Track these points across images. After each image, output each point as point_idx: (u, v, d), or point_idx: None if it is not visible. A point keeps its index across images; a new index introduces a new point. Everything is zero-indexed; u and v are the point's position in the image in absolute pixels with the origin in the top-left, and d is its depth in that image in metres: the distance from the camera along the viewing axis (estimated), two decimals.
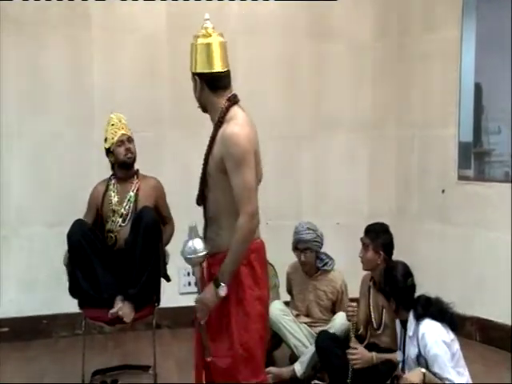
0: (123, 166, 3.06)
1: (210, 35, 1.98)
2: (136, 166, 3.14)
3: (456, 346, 2.37)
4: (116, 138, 3.02)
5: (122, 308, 2.81)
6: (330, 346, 2.83)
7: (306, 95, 4.15)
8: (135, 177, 3.10)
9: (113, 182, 3.09)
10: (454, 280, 3.77)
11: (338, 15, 4.17)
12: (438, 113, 3.94)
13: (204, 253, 2.01)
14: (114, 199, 3.04)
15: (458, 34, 3.76)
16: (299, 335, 3.09)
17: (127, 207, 3.02)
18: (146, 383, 3.05)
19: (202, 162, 2.09)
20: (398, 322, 2.57)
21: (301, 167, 4.21)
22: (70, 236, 2.90)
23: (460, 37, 3.75)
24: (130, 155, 3.04)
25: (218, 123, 2.01)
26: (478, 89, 3.75)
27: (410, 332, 2.42)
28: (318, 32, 4.13)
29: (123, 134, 3.03)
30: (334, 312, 3.15)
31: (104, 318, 2.87)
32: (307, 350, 3.01)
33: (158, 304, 3.02)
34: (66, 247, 2.93)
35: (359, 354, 2.67)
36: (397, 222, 4.07)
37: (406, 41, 4.10)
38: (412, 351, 2.40)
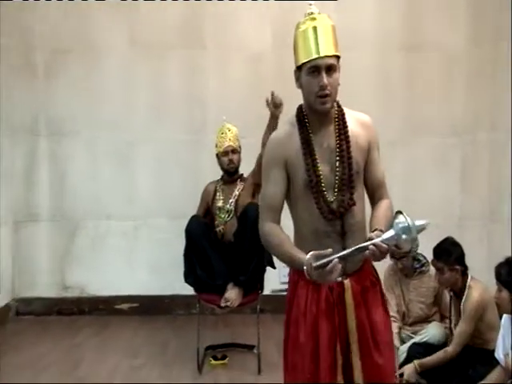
0: (226, 173, 3.20)
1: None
2: (242, 169, 3.25)
3: None
4: (222, 149, 3.14)
5: (231, 294, 2.96)
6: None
7: (399, 103, 4.06)
8: (239, 180, 3.21)
9: (220, 183, 3.24)
10: None
11: (430, 26, 4.03)
12: None
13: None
14: (221, 198, 3.17)
15: None
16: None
17: (232, 204, 3.13)
18: (250, 360, 3.14)
19: (325, 167, 1.67)
20: (506, 320, 2.36)
21: (393, 170, 4.05)
22: (189, 230, 3.06)
23: None
24: (232, 165, 3.15)
25: (342, 115, 1.72)
26: None
27: None
28: (411, 43, 4.03)
29: (229, 146, 3.13)
30: (438, 306, 3.04)
31: (216, 301, 3.01)
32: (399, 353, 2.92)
33: (262, 291, 3.12)
34: (184, 238, 3.08)
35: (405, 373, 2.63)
36: (490, 224, 3.93)
37: (500, 47, 3.87)
38: None
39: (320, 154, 1.67)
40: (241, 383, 2.88)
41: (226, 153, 3.13)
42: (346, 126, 1.70)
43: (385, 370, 1.67)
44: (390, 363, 1.71)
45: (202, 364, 3.05)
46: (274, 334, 3.40)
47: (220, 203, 3.17)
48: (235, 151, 3.15)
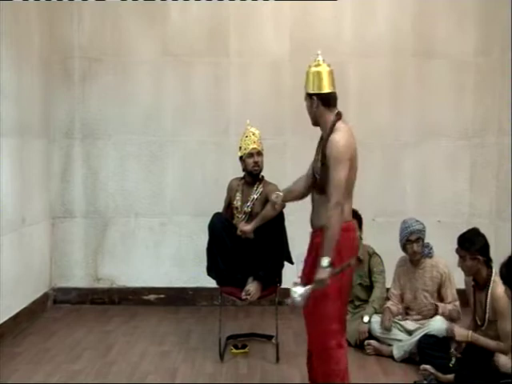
0: (250, 175, 3.18)
1: (321, 65, 2.27)
2: (263, 171, 3.22)
3: None
4: (247, 151, 3.11)
5: (251, 288, 2.97)
6: (431, 349, 2.76)
7: (411, 107, 4.03)
8: (259, 182, 3.18)
9: (241, 182, 3.22)
10: None
11: (441, 35, 4.01)
12: None
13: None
14: (239, 198, 3.17)
15: None
16: (399, 337, 3.06)
17: (249, 207, 3.12)
18: (269, 350, 3.17)
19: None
20: None
21: (406, 171, 4.12)
22: (212, 226, 3.07)
23: None
24: (256, 168, 3.12)
25: (329, 133, 2.22)
26: None
27: None
28: (423, 51, 4.01)
29: (254, 148, 3.10)
30: (441, 299, 3.07)
31: (237, 294, 3.05)
32: (405, 340, 3.01)
33: (280, 284, 3.12)
34: (207, 234, 3.10)
35: (456, 330, 2.67)
36: (497, 222, 3.93)
37: (506, 55, 3.85)
38: None
39: None
40: (260, 371, 2.91)
41: (251, 155, 3.10)
42: (327, 141, 2.24)
43: None
44: None
45: (224, 352, 3.07)
46: (292, 325, 3.48)
47: (238, 203, 3.16)
48: (260, 153, 3.12)
